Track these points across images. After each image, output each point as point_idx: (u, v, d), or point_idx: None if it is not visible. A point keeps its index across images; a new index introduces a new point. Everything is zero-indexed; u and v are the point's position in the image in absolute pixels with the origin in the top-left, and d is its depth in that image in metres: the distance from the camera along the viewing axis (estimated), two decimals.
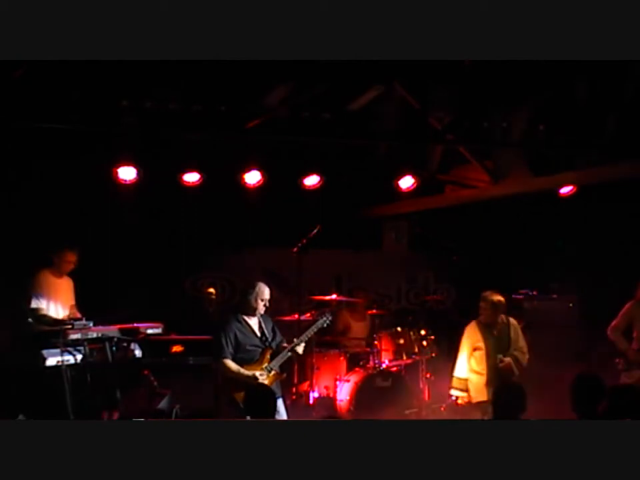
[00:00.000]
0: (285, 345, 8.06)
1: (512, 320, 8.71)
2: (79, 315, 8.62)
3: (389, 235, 12.31)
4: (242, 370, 7.78)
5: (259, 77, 7.89)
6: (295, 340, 8.06)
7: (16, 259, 9.13)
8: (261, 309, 8.01)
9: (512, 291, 10.68)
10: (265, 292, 8.02)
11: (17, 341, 8.21)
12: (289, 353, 8.01)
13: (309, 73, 7.82)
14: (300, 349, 8.08)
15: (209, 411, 7.76)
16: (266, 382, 7.75)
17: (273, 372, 7.88)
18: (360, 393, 9.66)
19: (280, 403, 7.83)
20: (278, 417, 7.53)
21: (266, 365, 7.88)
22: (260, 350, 7.94)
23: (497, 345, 8.54)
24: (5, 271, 8.93)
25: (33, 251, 9.06)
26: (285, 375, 8.10)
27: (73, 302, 8.92)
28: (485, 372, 8.47)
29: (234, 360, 7.83)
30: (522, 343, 8.68)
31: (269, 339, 8.01)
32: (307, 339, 8.18)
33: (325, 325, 8.55)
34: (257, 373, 7.77)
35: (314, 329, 8.34)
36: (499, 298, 8.57)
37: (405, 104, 8.66)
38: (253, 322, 8.03)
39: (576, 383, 5.93)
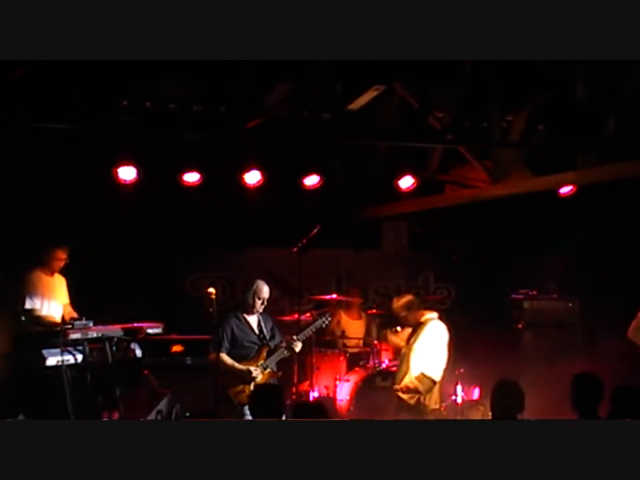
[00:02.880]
0: (283, 344, 8.09)
1: (432, 325, 8.20)
2: (74, 313, 8.63)
3: (388, 235, 12.30)
4: (236, 364, 7.82)
5: (259, 76, 7.89)
6: (294, 337, 8.10)
7: (15, 259, 9.12)
8: (259, 307, 8.04)
9: (512, 291, 10.69)
10: (263, 290, 8.04)
11: (17, 340, 8.20)
12: (285, 352, 8.07)
13: (309, 72, 7.82)
14: (297, 348, 8.10)
15: (209, 411, 7.76)
16: (260, 379, 7.79)
17: (268, 369, 7.93)
18: (360, 392, 9.66)
19: None
20: None
21: (262, 362, 7.92)
22: (256, 347, 7.98)
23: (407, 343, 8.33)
24: (5, 270, 8.91)
25: (28, 251, 9.05)
26: (280, 373, 8.14)
27: (67, 300, 8.89)
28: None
29: (230, 355, 7.86)
30: (426, 344, 8.16)
31: (267, 337, 8.04)
32: (304, 338, 8.22)
33: (324, 326, 8.61)
34: (252, 368, 7.81)
35: (312, 328, 8.39)
36: (406, 299, 8.36)
37: (405, 104, 8.65)
38: (252, 319, 8.07)
39: (576, 383, 5.93)
